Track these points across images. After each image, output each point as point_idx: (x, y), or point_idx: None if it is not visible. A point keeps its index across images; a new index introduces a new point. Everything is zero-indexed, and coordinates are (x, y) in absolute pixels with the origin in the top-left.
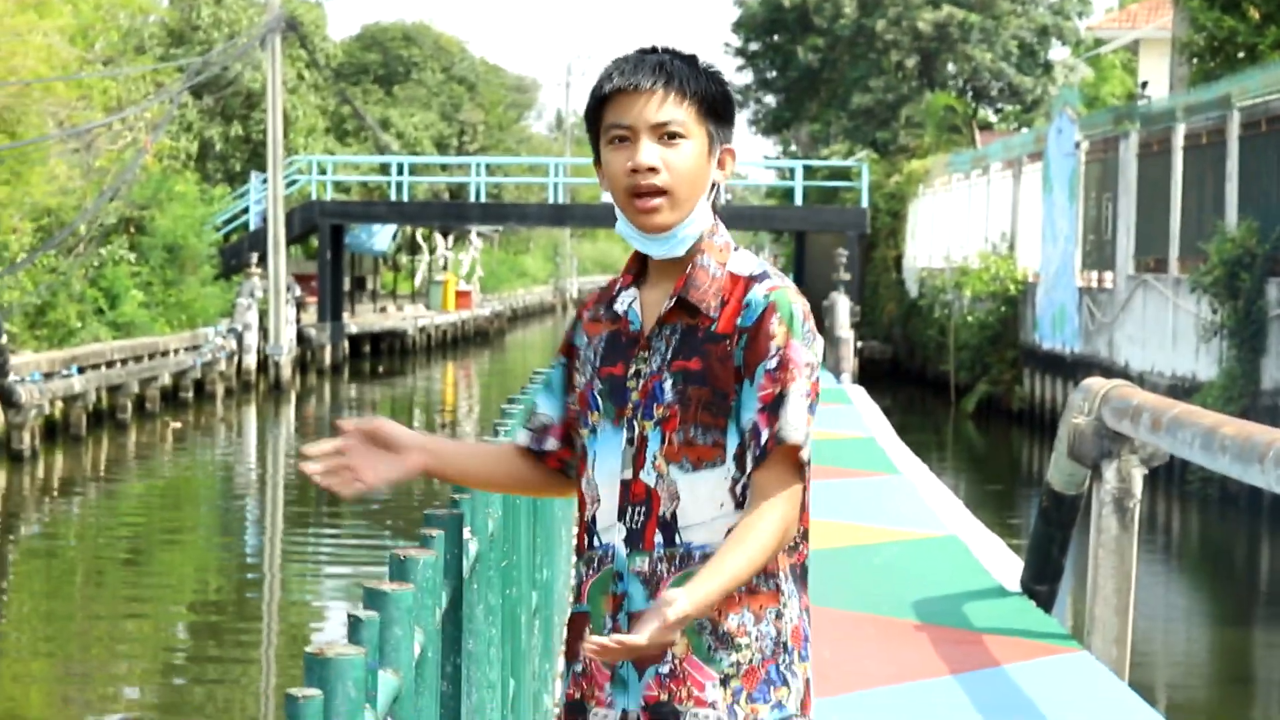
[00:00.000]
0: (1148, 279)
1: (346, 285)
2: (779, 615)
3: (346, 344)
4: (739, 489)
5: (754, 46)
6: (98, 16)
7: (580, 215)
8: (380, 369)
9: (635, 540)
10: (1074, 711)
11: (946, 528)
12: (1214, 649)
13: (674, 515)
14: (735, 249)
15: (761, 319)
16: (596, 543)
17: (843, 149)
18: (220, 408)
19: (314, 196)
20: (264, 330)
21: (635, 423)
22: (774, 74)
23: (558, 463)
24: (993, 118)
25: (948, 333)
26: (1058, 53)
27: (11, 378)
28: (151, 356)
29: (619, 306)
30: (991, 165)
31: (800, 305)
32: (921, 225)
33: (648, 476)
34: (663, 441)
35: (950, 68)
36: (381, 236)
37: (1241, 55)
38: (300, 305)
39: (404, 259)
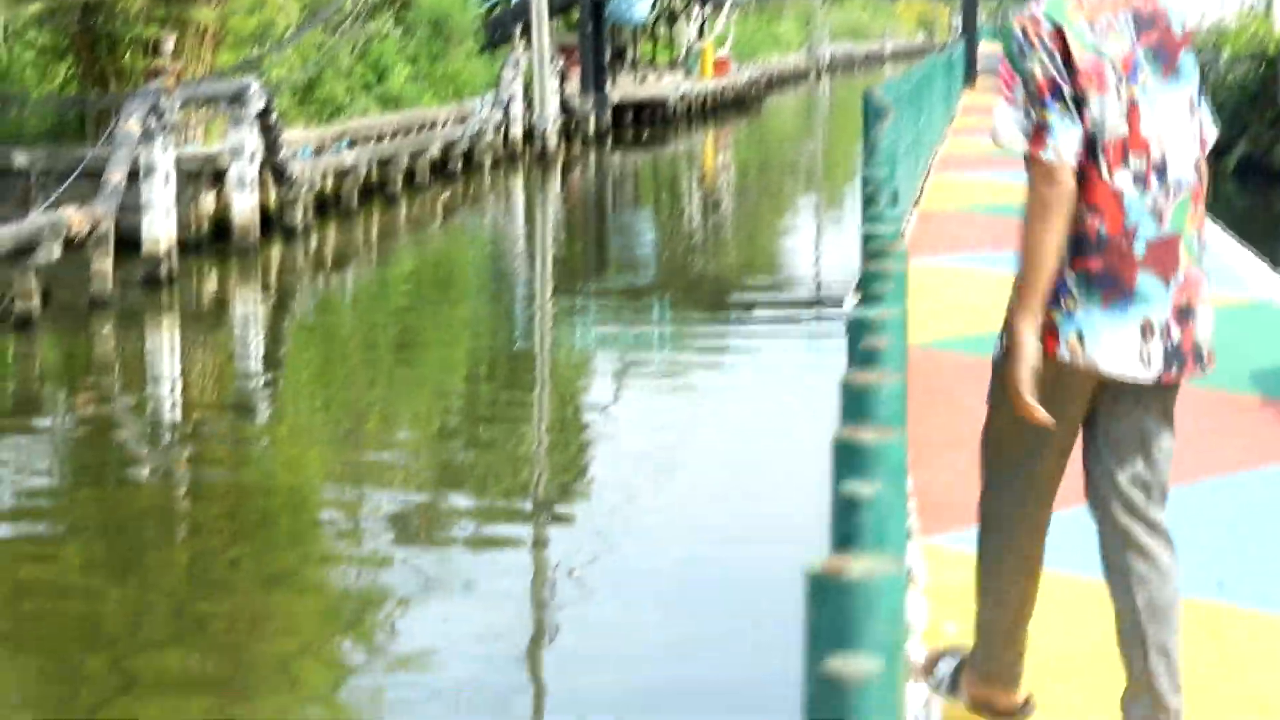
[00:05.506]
0: None
1: (607, 56)
2: None
3: (610, 113)
4: None
5: None
6: None
7: None
8: (643, 136)
9: None
10: None
11: (1251, 291)
12: None
13: None
14: None
15: None
16: None
17: None
18: (488, 178)
19: None
20: (529, 101)
21: None
22: None
23: None
24: None
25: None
26: None
27: (283, 154)
28: (420, 129)
29: None
30: None
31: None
32: None
33: None
34: None
35: None
36: (640, 6)
37: None
38: (563, 76)
39: (662, 29)
